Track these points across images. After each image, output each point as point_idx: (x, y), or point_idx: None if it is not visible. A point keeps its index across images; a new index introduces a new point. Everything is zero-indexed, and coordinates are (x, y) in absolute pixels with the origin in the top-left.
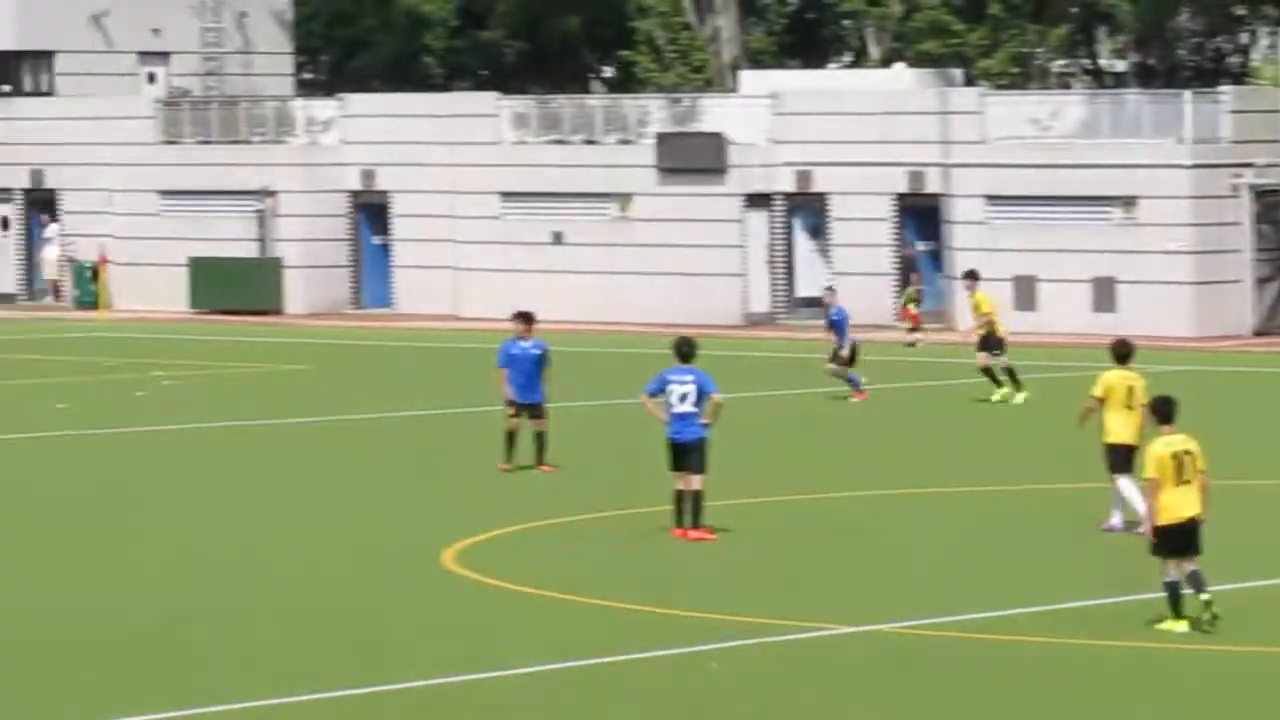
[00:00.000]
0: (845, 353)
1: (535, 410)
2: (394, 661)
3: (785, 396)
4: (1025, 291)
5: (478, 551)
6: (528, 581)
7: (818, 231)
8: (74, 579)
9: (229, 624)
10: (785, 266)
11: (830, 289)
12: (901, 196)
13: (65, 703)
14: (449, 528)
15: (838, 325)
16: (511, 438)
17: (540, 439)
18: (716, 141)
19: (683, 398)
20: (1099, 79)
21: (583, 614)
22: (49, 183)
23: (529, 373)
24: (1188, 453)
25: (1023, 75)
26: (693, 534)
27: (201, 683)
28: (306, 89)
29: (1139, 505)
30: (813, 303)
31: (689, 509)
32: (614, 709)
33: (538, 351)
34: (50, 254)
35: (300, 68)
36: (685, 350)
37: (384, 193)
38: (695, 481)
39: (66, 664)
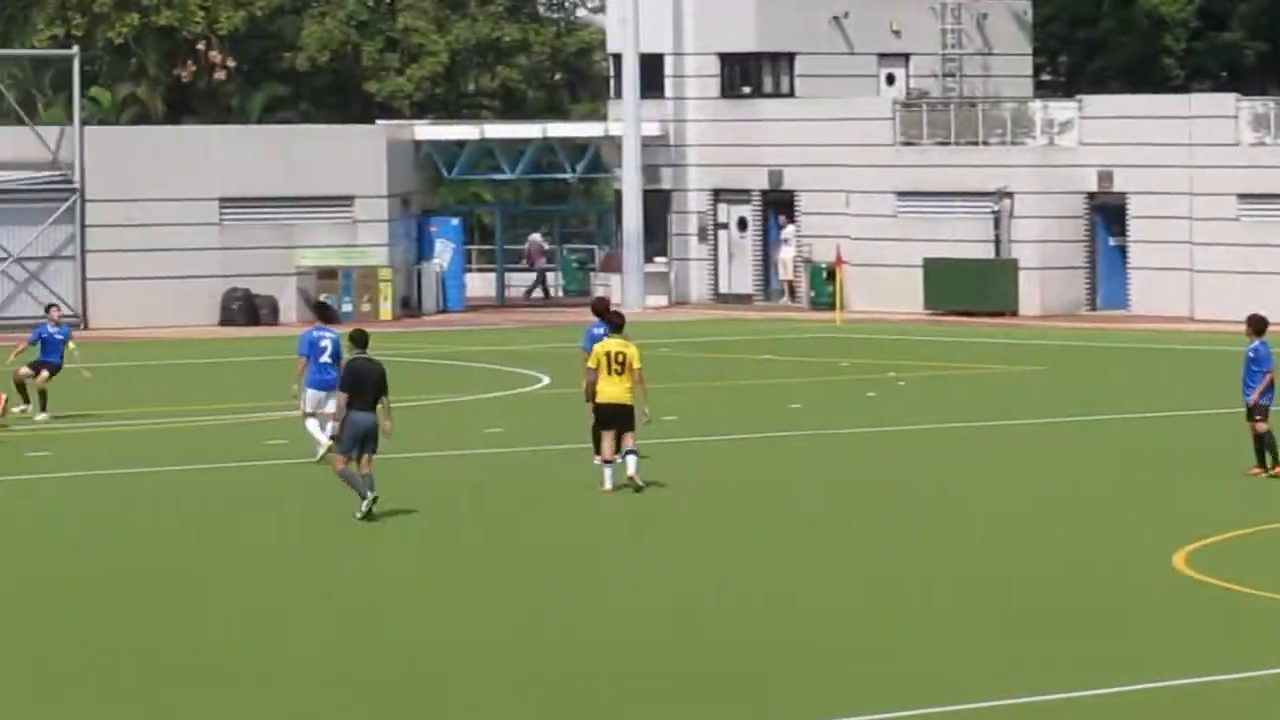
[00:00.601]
0: None
1: (1253, 412)
2: (1121, 663)
3: None
4: None
5: (1210, 553)
6: (1258, 584)
7: None
8: (793, 581)
9: (956, 623)
10: None
11: None
12: None
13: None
14: (1183, 529)
15: None
16: (1258, 441)
17: (1267, 440)
18: None
19: None
20: None
21: None
22: (787, 184)
23: (1245, 374)
24: None
25: None
26: None
27: (929, 682)
28: (1044, 90)
29: None
30: None
31: None
32: None
33: (1251, 354)
34: (786, 255)
35: (1039, 69)
36: None
37: (1121, 194)
38: None
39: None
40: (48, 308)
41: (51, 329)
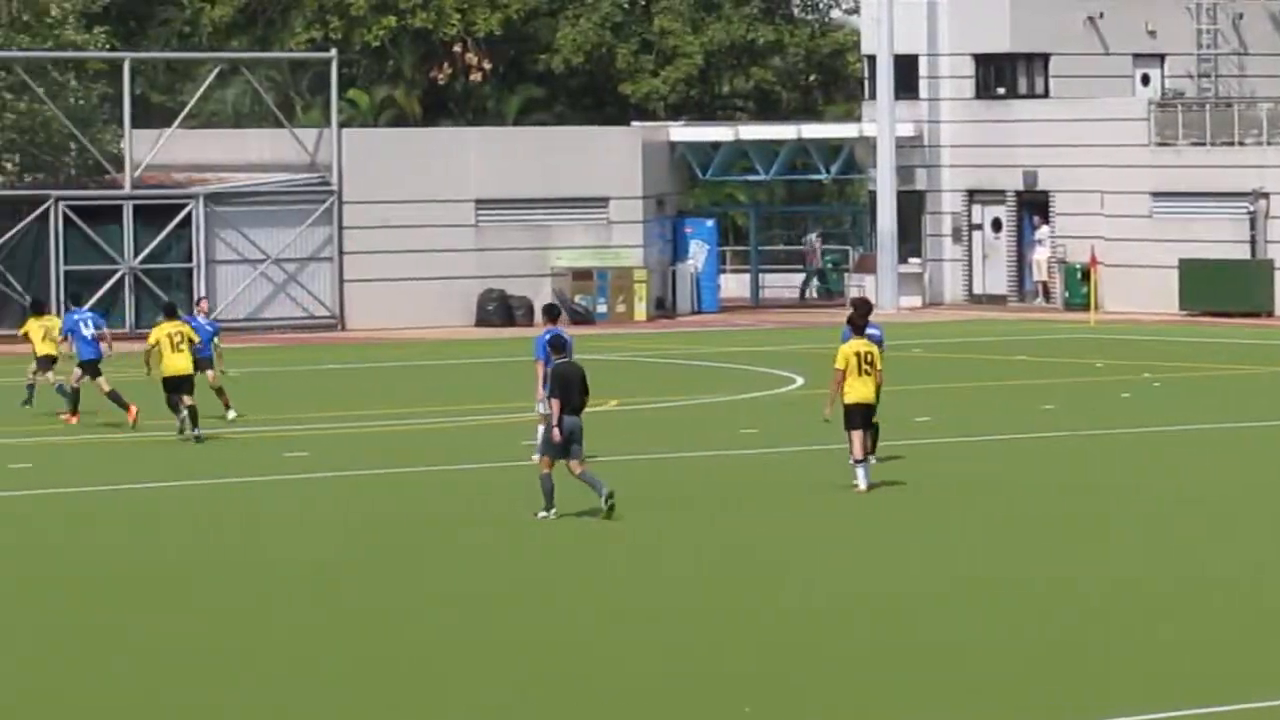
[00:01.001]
0: None
1: None
2: None
3: None
4: None
5: None
6: None
7: None
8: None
9: (1202, 626)
10: None
11: None
12: None
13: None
14: None
15: None
16: None
17: None
18: None
19: None
20: None
21: None
22: (1041, 185)
23: None
24: None
25: None
26: None
27: (1192, 681)
28: None
29: None
30: None
31: None
32: None
33: None
34: (1041, 256)
35: None
36: None
37: None
38: None
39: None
40: (198, 300)
41: (201, 320)
